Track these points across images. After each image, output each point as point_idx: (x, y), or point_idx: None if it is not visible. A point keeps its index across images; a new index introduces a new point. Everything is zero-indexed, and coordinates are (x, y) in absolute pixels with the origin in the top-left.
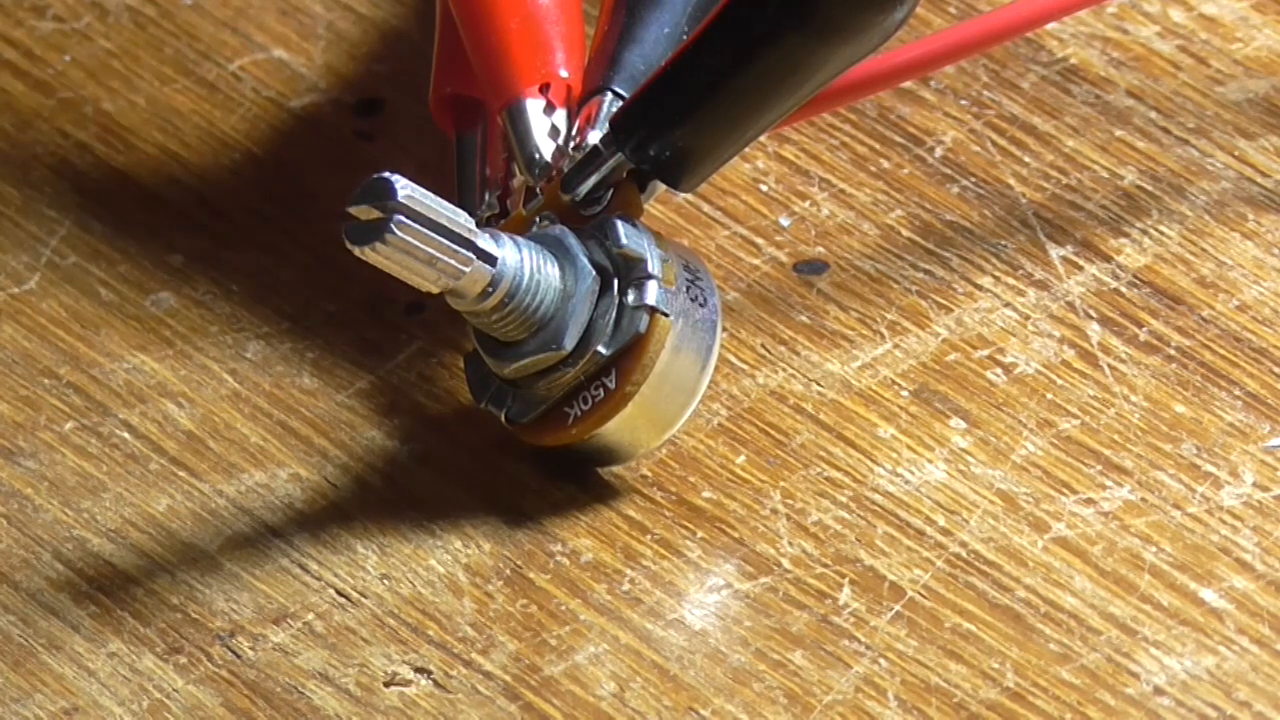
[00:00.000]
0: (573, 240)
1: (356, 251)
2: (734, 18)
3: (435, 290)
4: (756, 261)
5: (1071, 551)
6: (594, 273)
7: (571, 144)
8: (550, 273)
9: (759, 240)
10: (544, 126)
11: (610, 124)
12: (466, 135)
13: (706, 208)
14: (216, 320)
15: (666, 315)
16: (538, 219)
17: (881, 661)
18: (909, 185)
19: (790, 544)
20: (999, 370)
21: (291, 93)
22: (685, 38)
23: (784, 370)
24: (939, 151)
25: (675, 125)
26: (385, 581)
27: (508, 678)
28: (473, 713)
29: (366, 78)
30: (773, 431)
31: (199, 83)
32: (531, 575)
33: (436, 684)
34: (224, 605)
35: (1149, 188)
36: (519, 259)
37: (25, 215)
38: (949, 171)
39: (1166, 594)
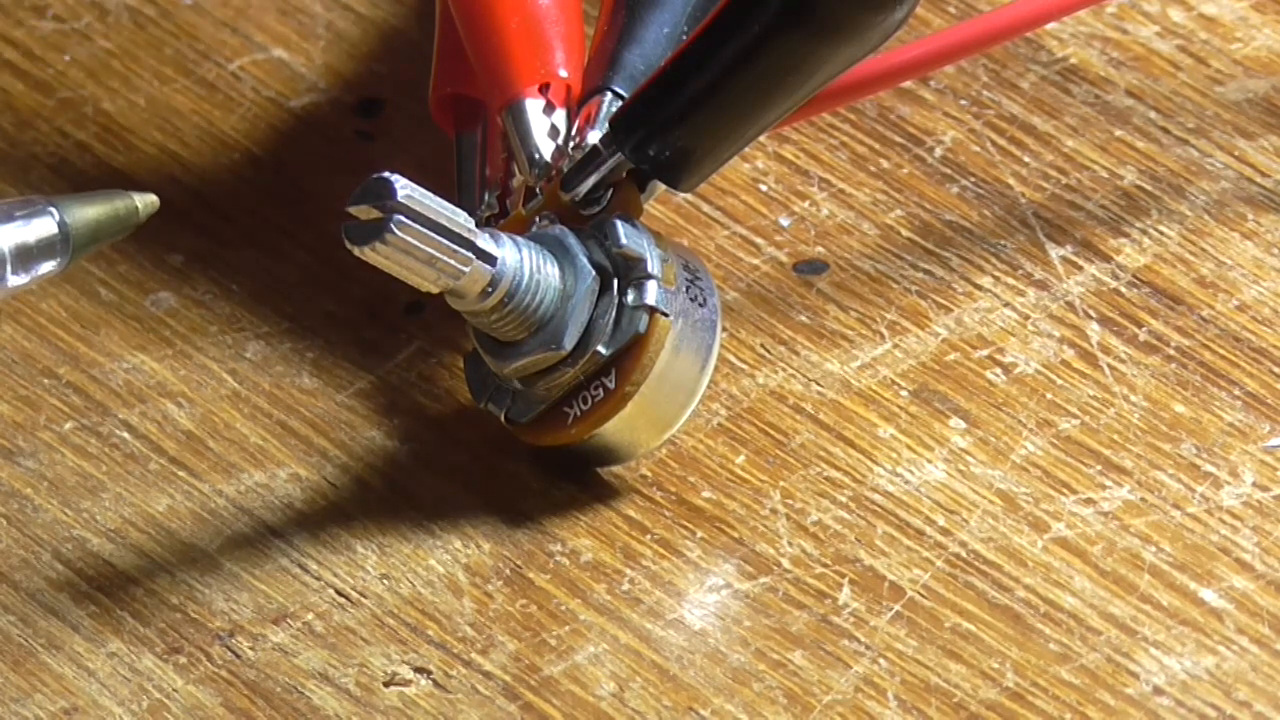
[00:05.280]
0: (572, 240)
1: (356, 251)
2: (734, 17)
3: (435, 290)
4: (756, 261)
5: (1071, 551)
6: (594, 272)
7: (571, 144)
8: (550, 272)
9: (759, 240)
10: (544, 126)
11: (610, 124)
12: (466, 135)
13: (706, 207)
14: (216, 320)
15: (666, 315)
16: (537, 219)
17: (881, 661)
18: (908, 185)
19: (790, 544)
20: (999, 370)
21: (291, 93)
22: (685, 38)
23: (784, 370)
24: (939, 151)
25: (675, 125)
26: (385, 581)
27: (507, 677)
28: (472, 712)
29: (366, 77)
30: (772, 431)
31: (199, 82)
32: (531, 575)
33: (436, 684)
34: (224, 605)
35: (1148, 187)
36: (518, 259)
37: None
38: (948, 171)
39: (1166, 594)
